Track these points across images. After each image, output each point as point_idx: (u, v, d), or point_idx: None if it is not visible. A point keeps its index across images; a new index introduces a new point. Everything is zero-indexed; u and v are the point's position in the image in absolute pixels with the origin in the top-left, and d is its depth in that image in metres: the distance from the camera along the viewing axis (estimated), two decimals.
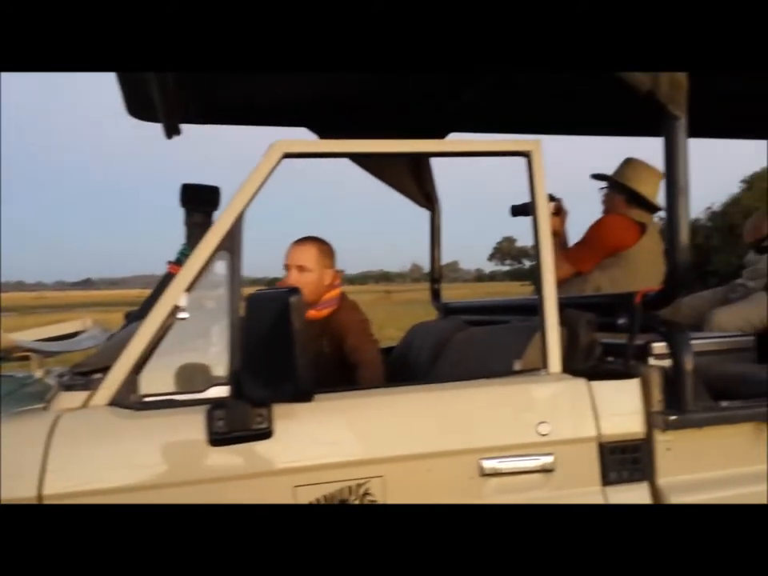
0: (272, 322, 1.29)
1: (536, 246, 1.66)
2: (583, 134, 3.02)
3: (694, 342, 2.13)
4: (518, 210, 2.62)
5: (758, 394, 1.75)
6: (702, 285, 4.09)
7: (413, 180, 2.88)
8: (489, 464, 1.50)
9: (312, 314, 2.40)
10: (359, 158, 2.59)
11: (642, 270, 2.65)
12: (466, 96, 2.49)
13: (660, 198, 2.74)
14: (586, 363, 1.71)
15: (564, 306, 1.82)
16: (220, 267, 1.47)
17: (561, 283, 2.87)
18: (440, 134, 2.79)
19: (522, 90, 2.39)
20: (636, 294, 1.69)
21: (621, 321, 1.72)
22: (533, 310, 1.70)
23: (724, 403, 1.64)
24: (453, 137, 2.86)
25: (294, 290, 1.30)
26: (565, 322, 1.75)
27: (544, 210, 1.66)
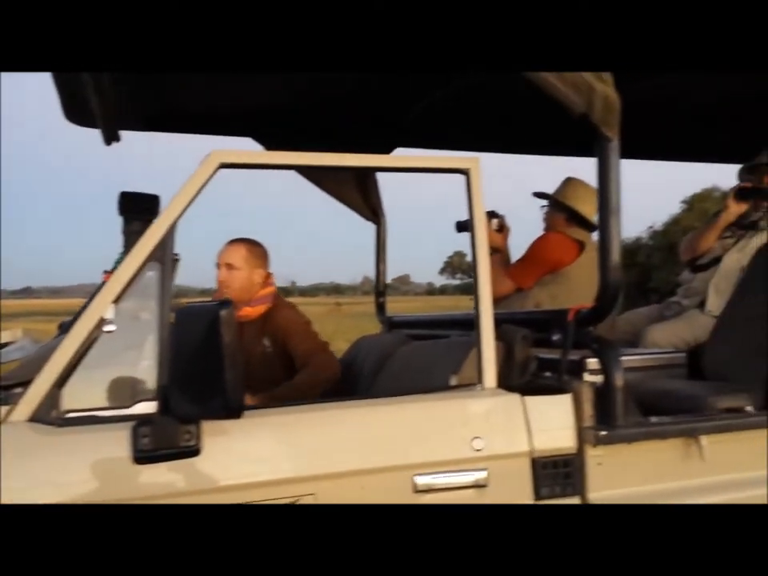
0: (201, 335, 1.26)
1: (473, 262, 1.67)
2: (525, 153, 3.09)
3: (626, 357, 2.19)
4: (463, 226, 2.64)
5: (687, 409, 1.80)
6: (644, 301, 4.18)
7: (359, 193, 2.88)
8: (422, 480, 1.50)
9: (247, 311, 2.43)
10: (304, 171, 2.58)
11: (580, 286, 2.71)
12: (413, 112, 2.51)
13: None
14: (521, 378, 1.73)
15: (501, 321, 1.83)
16: (150, 278, 1.43)
17: (503, 299, 2.93)
18: (387, 149, 2.80)
19: (467, 107, 2.43)
20: (569, 310, 1.71)
21: (555, 337, 1.75)
22: (474, 325, 1.71)
23: (653, 419, 1.67)
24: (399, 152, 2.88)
25: (225, 303, 1.27)
26: (501, 337, 1.77)
27: (481, 226, 1.67)
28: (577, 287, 2.72)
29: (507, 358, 1.76)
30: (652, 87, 2.33)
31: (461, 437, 1.53)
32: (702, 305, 2.86)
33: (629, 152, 2.86)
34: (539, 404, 1.60)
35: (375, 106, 2.48)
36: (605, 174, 1.60)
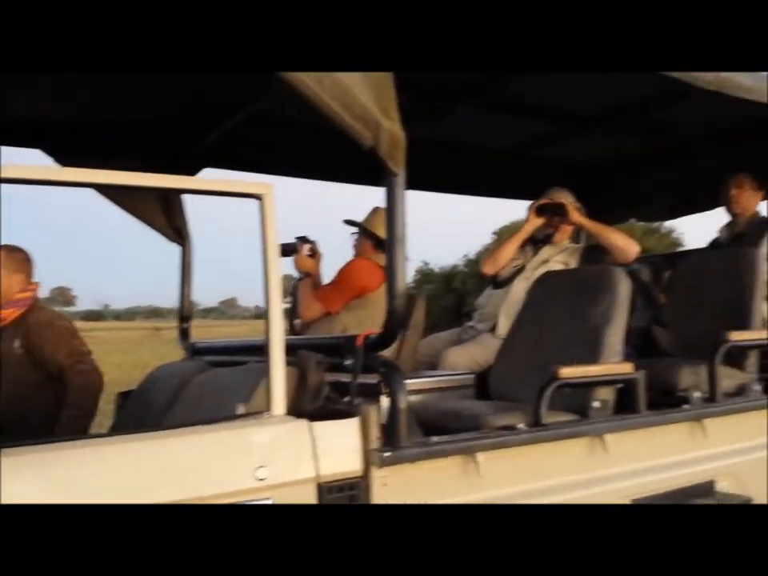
0: None
1: (264, 287, 1.66)
2: (330, 181, 3.17)
3: (418, 380, 2.30)
4: (284, 250, 2.68)
5: (469, 428, 1.92)
6: (459, 324, 4.41)
7: (161, 214, 2.77)
8: None
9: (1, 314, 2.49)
10: (101, 189, 2.42)
11: (384, 312, 2.81)
12: (214, 134, 2.47)
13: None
14: (313, 404, 1.73)
15: (298, 347, 1.84)
16: None
17: (312, 323, 2.96)
18: (193, 170, 2.73)
19: (267, 133, 2.44)
20: (358, 336, 1.76)
21: (347, 362, 1.79)
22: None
23: (435, 438, 1.75)
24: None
25: None
26: (296, 363, 1.77)
27: (273, 252, 1.67)
28: (381, 312, 2.81)
29: (301, 383, 1.77)
30: (444, 126, 2.50)
31: (244, 467, 1.50)
32: (493, 329, 3.09)
33: (427, 185, 3.03)
34: (327, 429, 1.62)
35: (176, 125, 2.41)
36: (391, 205, 1.67)
